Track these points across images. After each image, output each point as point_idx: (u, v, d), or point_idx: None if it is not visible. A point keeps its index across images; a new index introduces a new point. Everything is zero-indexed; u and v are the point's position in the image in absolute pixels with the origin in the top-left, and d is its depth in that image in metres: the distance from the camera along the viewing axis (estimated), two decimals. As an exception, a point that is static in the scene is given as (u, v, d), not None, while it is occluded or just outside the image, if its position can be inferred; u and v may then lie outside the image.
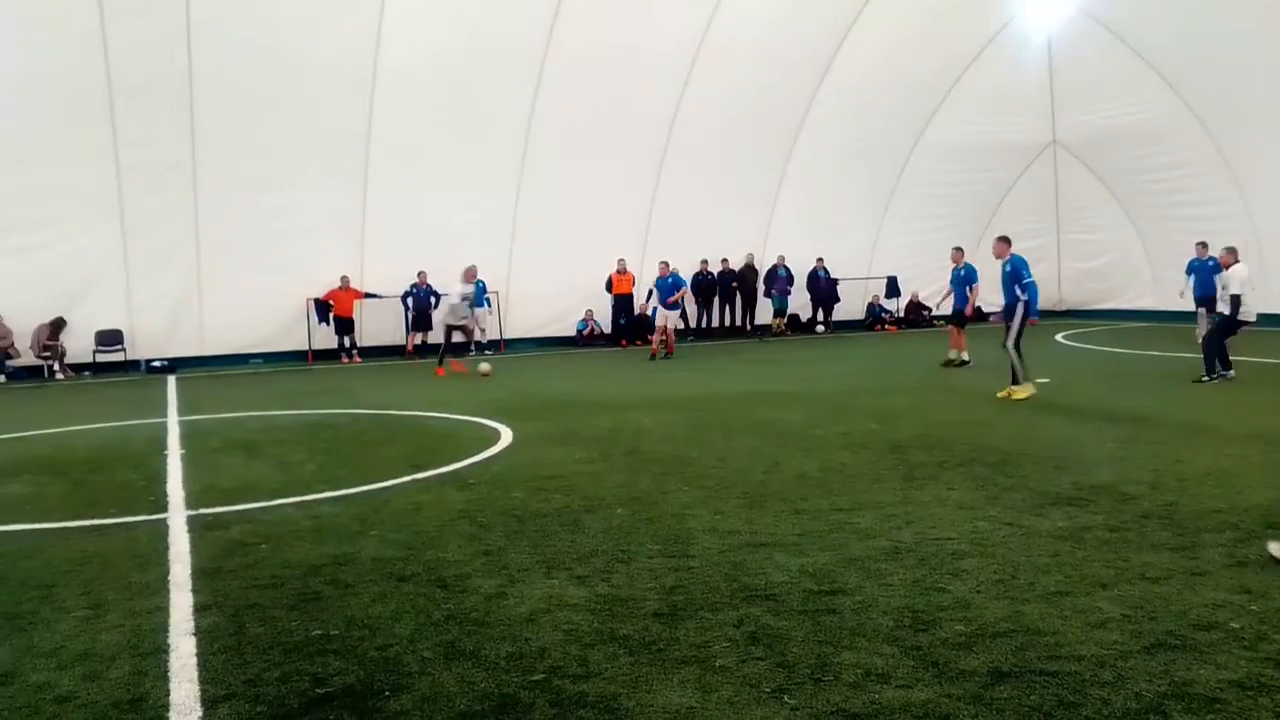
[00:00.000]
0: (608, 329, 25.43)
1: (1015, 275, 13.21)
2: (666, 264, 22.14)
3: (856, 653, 4.56)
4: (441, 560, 6.25)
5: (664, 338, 21.46)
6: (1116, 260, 28.30)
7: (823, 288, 27.52)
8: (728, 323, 27.35)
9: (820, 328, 27.70)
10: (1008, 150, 27.91)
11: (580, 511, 7.42)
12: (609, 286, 25.05)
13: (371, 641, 4.89)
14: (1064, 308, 29.46)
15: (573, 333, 25.29)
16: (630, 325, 25.03)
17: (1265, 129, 22.42)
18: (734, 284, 26.87)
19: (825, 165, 25.85)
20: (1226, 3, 21.21)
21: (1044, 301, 28.07)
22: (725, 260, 26.54)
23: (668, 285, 21.63)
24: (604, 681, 4.34)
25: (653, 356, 20.92)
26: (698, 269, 26.20)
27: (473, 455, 9.92)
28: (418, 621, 5.15)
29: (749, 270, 26.88)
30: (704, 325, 27.09)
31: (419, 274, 23.20)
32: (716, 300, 27.01)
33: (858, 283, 28.25)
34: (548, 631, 4.95)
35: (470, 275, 19.45)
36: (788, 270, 26.98)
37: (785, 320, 27.35)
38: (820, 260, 27.24)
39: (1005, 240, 13.83)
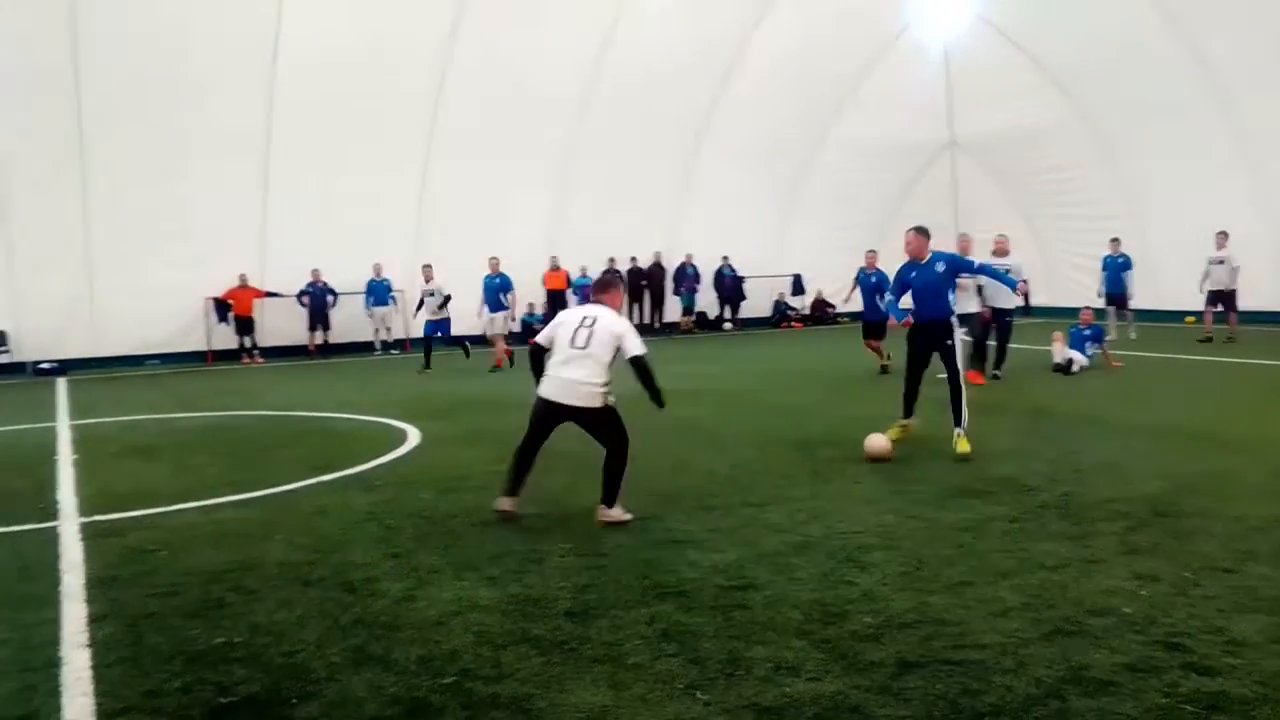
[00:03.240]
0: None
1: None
2: (497, 260, 19.23)
3: (767, 647, 4.61)
4: (348, 564, 6.14)
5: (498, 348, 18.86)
6: (1011, 259, 29.12)
7: (729, 286, 27.79)
8: (636, 321, 27.45)
9: (728, 325, 27.94)
10: (908, 151, 28.47)
11: (491, 512, 7.36)
12: (543, 284, 25.24)
13: (277, 648, 4.78)
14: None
15: (479, 333, 25.07)
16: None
17: (1148, 130, 23.31)
18: (642, 282, 26.98)
19: (731, 163, 26.05)
20: (1113, 10, 22.00)
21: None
22: (634, 259, 26.63)
23: (495, 286, 18.97)
24: (516, 683, 4.31)
25: (495, 368, 18.57)
26: (606, 267, 26.29)
27: (379, 457, 9.77)
28: (325, 626, 5.05)
29: (657, 268, 27.01)
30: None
31: (313, 272, 22.84)
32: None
33: (764, 281, 28.56)
34: (458, 634, 4.90)
35: (1001, 246, 15.15)
36: (695, 269, 27.19)
37: (693, 318, 27.53)
38: (726, 259, 27.50)
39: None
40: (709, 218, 26.82)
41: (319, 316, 23.14)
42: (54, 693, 4.33)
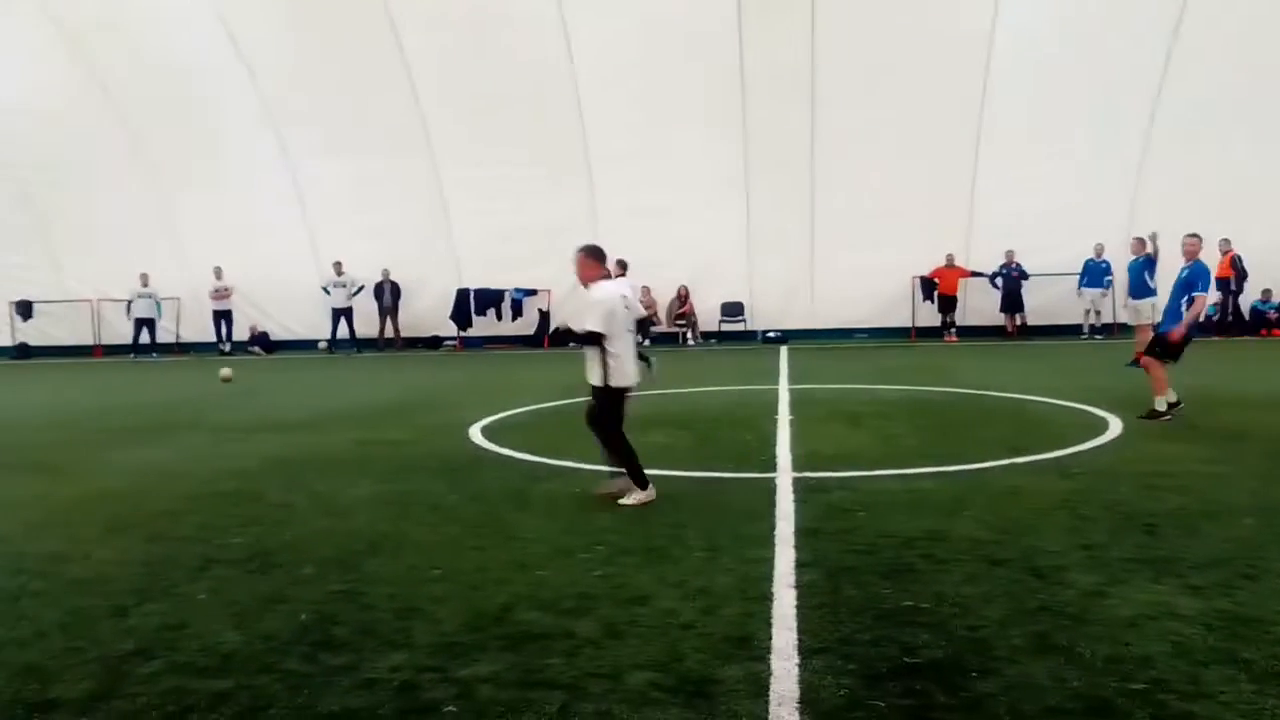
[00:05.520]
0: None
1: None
2: (1143, 241, 16.28)
3: None
4: (1037, 549, 6.04)
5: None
6: None
7: None
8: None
9: None
10: None
11: (1198, 516, 6.71)
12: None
13: (961, 620, 4.89)
14: None
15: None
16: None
17: None
18: None
19: None
20: None
21: None
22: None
23: (1139, 267, 16.32)
24: (1219, 706, 3.91)
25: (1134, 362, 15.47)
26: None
27: (1076, 444, 9.41)
28: (1009, 607, 5.04)
29: None
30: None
31: (1007, 254, 22.57)
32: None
33: None
34: (1152, 640, 4.57)
35: None
36: None
37: None
38: None
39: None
40: None
41: (1012, 298, 22.94)
42: (765, 623, 4.90)
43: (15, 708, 4.18)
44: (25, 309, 26.60)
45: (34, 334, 26.78)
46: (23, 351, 26.52)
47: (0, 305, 26.51)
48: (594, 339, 7.20)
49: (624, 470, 7.50)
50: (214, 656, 4.67)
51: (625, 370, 7.33)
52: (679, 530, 6.65)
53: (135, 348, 25.67)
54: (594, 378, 7.36)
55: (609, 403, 7.37)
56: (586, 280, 7.46)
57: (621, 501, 7.39)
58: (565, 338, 7.44)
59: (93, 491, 8.56)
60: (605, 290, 7.35)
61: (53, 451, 10.89)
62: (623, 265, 16.93)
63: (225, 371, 17.84)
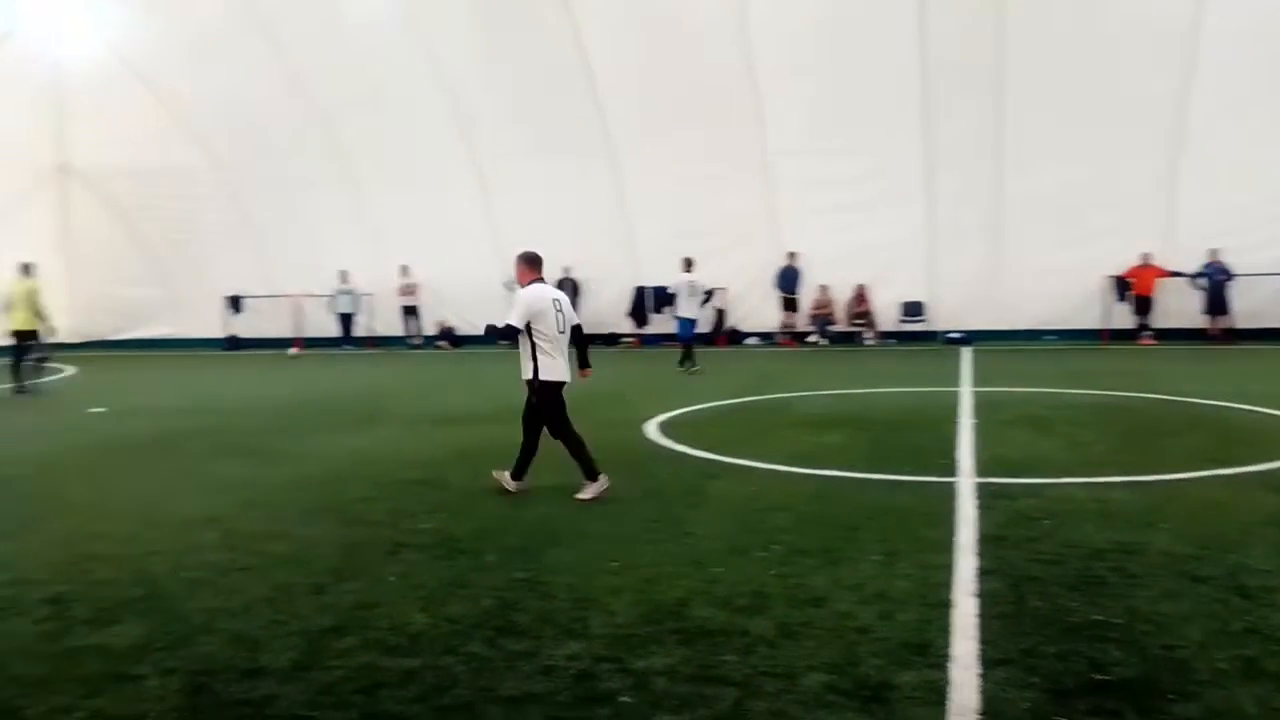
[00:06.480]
0: None
1: None
2: None
3: None
4: (1244, 566, 5.67)
5: None
6: None
7: None
8: None
9: None
10: None
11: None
12: None
13: (1156, 638, 4.65)
14: None
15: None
16: None
17: None
18: None
19: None
20: None
21: None
22: None
23: None
24: None
25: None
26: None
27: (1290, 456, 8.79)
28: (1211, 628, 4.76)
29: None
30: None
31: (1209, 252, 21.13)
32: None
33: None
34: (1374, 670, 4.23)
35: None
36: None
37: None
38: None
39: None
40: None
41: (1217, 299, 21.48)
42: (944, 630, 4.79)
43: (230, 671, 4.52)
44: (235, 303, 28.47)
45: (243, 327, 28.59)
46: (233, 343, 28.38)
47: (215, 299, 28.39)
48: (510, 333, 7.70)
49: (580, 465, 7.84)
50: (403, 636, 4.90)
51: (555, 366, 7.82)
52: (856, 533, 6.57)
53: (344, 340, 27.12)
54: (525, 372, 7.82)
55: (546, 395, 7.82)
56: (521, 283, 8.03)
57: (577, 496, 7.69)
58: (490, 334, 8.07)
59: (295, 476, 9.11)
60: (534, 291, 7.88)
61: (259, 437, 11.64)
62: (688, 262, 18.02)
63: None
